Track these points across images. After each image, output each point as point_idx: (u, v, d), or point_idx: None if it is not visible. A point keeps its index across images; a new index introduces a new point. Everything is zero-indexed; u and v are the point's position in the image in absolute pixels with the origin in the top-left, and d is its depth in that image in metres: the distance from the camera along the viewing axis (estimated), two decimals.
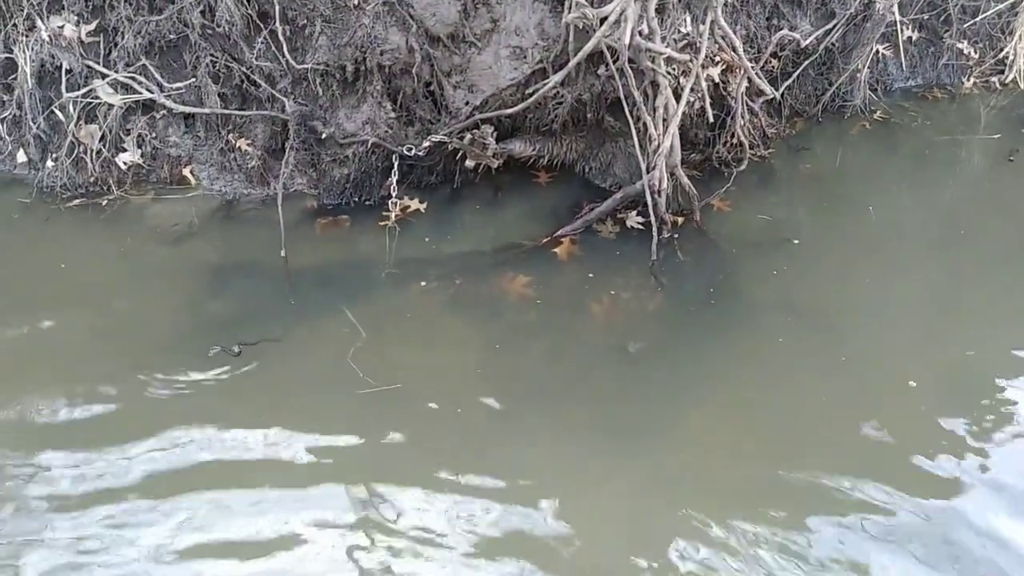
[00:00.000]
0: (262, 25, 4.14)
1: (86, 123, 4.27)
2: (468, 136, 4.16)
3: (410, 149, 4.15)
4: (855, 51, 4.93)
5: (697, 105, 4.06)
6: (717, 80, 4.20)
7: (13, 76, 4.39)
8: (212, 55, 4.19)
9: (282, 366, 3.35)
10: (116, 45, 4.28)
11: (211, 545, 2.73)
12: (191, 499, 2.85)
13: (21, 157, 4.39)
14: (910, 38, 5.25)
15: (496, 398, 3.26)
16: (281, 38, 4.07)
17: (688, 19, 4.11)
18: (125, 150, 4.29)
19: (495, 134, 4.19)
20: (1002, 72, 5.52)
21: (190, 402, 3.20)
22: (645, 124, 3.92)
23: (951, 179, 4.69)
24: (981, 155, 4.86)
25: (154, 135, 4.33)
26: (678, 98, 3.92)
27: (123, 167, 4.29)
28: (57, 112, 4.29)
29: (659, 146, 3.88)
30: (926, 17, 5.34)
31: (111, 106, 4.23)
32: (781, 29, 4.66)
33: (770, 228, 4.14)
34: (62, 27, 4.18)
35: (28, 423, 3.12)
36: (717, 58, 4.17)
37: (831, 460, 3.02)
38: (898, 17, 4.96)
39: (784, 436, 3.12)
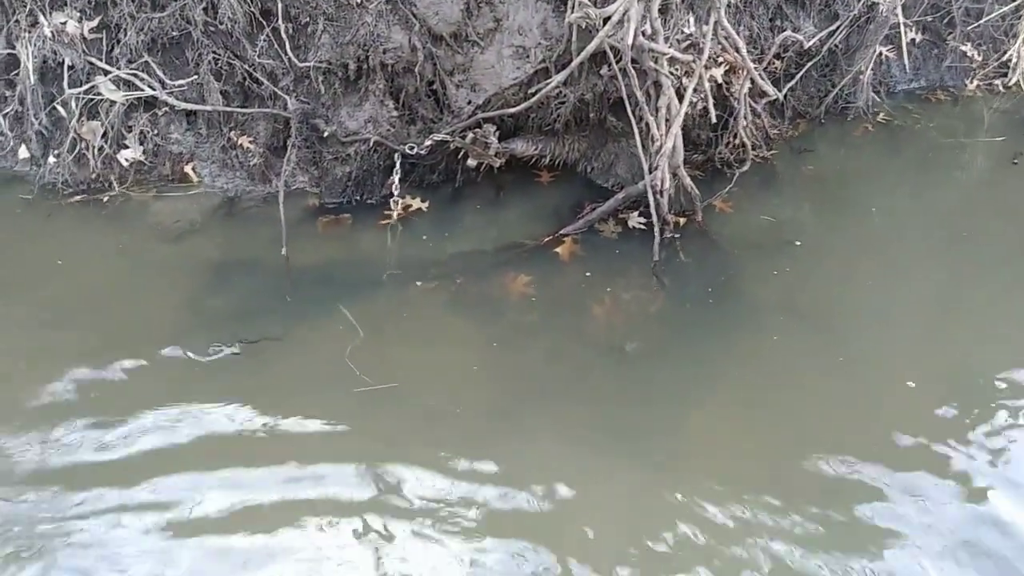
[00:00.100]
0: (264, 23, 4.14)
1: (88, 120, 4.27)
2: (470, 135, 4.16)
3: (412, 148, 4.14)
4: (858, 53, 4.92)
5: (700, 106, 4.06)
6: (720, 81, 4.20)
7: (15, 72, 4.39)
8: (214, 52, 4.18)
9: (282, 364, 3.35)
10: (118, 42, 4.28)
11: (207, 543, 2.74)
12: (189, 494, 2.85)
13: (23, 153, 4.39)
14: (913, 40, 5.24)
15: (496, 397, 3.25)
16: (283, 36, 4.07)
17: (691, 20, 4.11)
18: (127, 147, 4.29)
19: (497, 133, 4.19)
20: (1006, 75, 5.51)
21: (190, 399, 3.19)
22: (648, 124, 3.91)
23: (954, 181, 4.68)
24: (984, 157, 4.85)
25: (156, 132, 4.33)
26: (681, 98, 3.91)
27: (125, 164, 4.29)
28: (59, 108, 4.29)
29: (661, 146, 3.87)
30: (930, 19, 5.33)
31: (113, 103, 4.22)
32: (784, 30, 4.65)
33: (772, 229, 4.13)
34: (65, 23, 4.18)
35: (28, 417, 3.12)
36: (720, 59, 4.17)
37: (831, 460, 3.01)
38: (901, 19, 4.95)
39: (784, 436, 3.11)
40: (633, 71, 3.81)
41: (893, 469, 2.98)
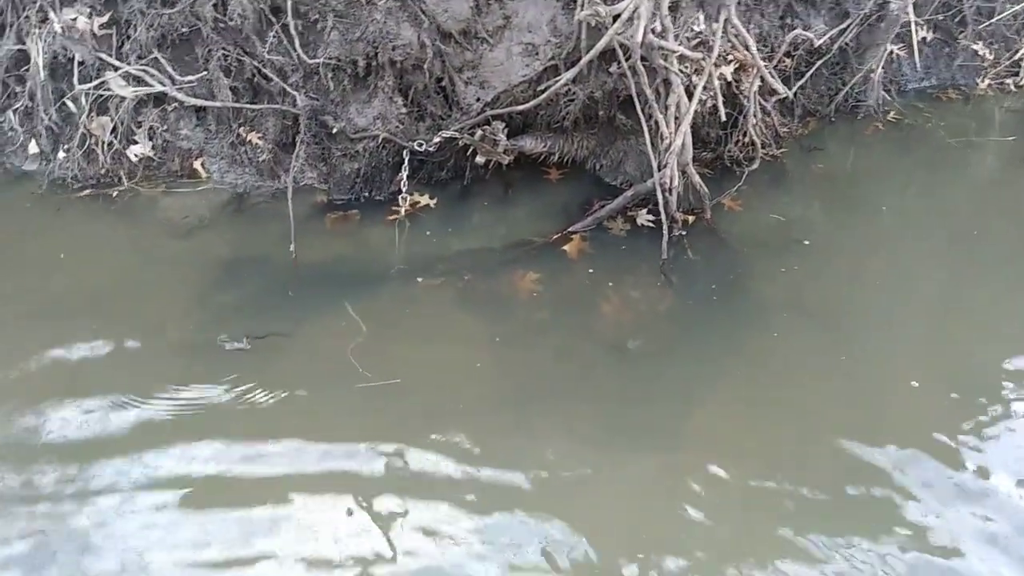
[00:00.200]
0: (274, 19, 4.14)
1: (98, 115, 4.28)
2: (479, 132, 4.16)
3: (421, 145, 4.14)
4: (869, 51, 4.89)
5: (709, 104, 4.04)
6: (730, 79, 4.18)
7: (25, 68, 4.42)
8: (224, 49, 4.19)
9: (289, 360, 3.35)
10: (128, 38, 4.30)
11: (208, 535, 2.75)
12: (188, 488, 2.88)
13: (33, 148, 4.40)
14: (924, 39, 5.21)
15: (501, 394, 3.25)
16: (293, 32, 4.07)
17: (701, 17, 4.10)
18: (136, 142, 4.30)
19: (506, 130, 4.18)
20: (1017, 74, 5.47)
21: (194, 395, 3.20)
22: (657, 122, 3.90)
23: (964, 181, 4.65)
24: (995, 157, 4.83)
25: (165, 128, 4.34)
26: (690, 96, 3.90)
27: (134, 159, 4.30)
28: (69, 104, 4.31)
29: (671, 144, 3.86)
30: (941, 18, 5.30)
31: (123, 98, 4.24)
32: (795, 28, 4.63)
33: (781, 228, 4.12)
34: (75, 19, 4.19)
35: (31, 404, 3.15)
36: (730, 57, 4.15)
37: (834, 458, 3.01)
38: (913, 17, 4.93)
39: (788, 435, 3.10)
40: (643, 69, 3.80)
41: (895, 469, 2.97)
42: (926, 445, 3.05)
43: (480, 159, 4.25)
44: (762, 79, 4.17)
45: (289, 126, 4.25)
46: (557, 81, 4.03)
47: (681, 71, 3.91)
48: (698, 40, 4.05)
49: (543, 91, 4.08)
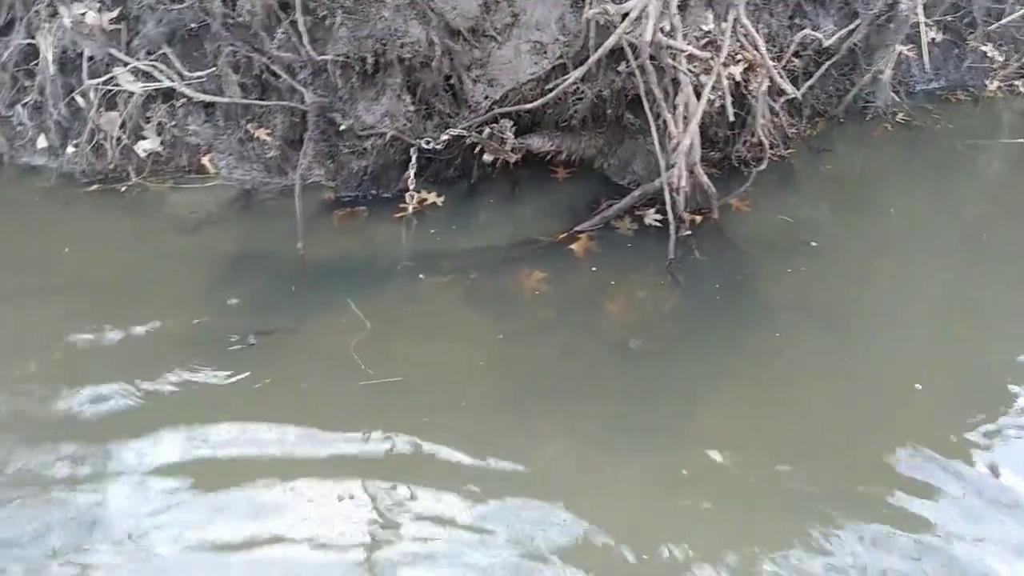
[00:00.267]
0: (283, 16, 4.14)
1: (107, 110, 4.29)
2: (487, 130, 4.16)
3: (428, 142, 4.14)
4: (878, 52, 4.88)
5: (718, 103, 4.03)
6: (738, 79, 4.17)
7: (35, 62, 4.43)
8: (233, 45, 4.19)
9: (294, 357, 3.36)
10: (138, 33, 4.31)
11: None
12: (195, 475, 2.90)
13: (42, 143, 4.42)
14: (934, 40, 5.20)
15: (504, 392, 3.25)
16: (302, 29, 4.07)
17: (710, 17, 4.09)
18: (145, 138, 4.31)
19: (514, 129, 4.18)
20: None
21: (200, 389, 3.21)
22: (665, 121, 3.89)
23: (973, 183, 4.64)
24: (1004, 159, 4.81)
25: (174, 123, 4.35)
26: (699, 96, 3.89)
27: (142, 155, 4.31)
28: (78, 99, 4.32)
29: (679, 144, 3.85)
30: (950, 19, 5.29)
31: (132, 94, 4.25)
32: (804, 28, 4.62)
33: (788, 229, 4.11)
34: (84, 14, 4.20)
35: (39, 396, 3.17)
36: (739, 56, 4.14)
37: (835, 460, 3.01)
38: (922, 18, 4.91)
39: (790, 436, 3.10)
40: (651, 68, 3.79)
41: (897, 468, 2.96)
42: (928, 446, 3.04)
43: (488, 157, 4.25)
44: (771, 79, 4.17)
45: (297, 123, 4.25)
46: (565, 79, 4.03)
47: (690, 70, 3.90)
48: (707, 39, 4.04)
49: (551, 89, 4.07)
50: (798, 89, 4.54)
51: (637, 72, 3.87)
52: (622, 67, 4.03)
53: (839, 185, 4.49)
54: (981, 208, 4.46)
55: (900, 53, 4.98)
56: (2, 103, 4.52)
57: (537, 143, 4.28)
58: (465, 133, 4.16)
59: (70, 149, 4.35)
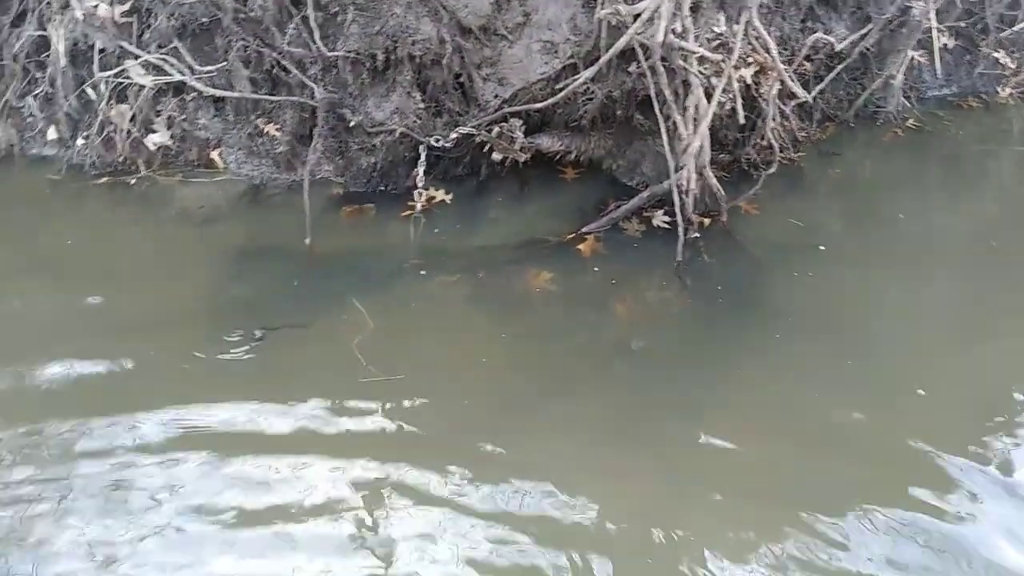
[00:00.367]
0: (294, 11, 4.15)
1: (117, 103, 4.30)
2: (496, 129, 4.16)
3: (438, 140, 4.14)
4: (890, 57, 4.87)
5: (728, 106, 4.02)
6: (749, 81, 4.15)
7: (46, 54, 4.44)
8: (244, 39, 4.20)
9: (300, 351, 3.36)
10: (149, 26, 4.32)
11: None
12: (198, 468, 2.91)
13: (52, 134, 4.43)
14: (946, 45, 5.18)
15: (509, 391, 3.25)
16: (313, 24, 4.08)
17: (722, 19, 4.07)
18: (155, 131, 4.32)
19: (523, 128, 4.18)
20: None
21: (205, 381, 3.22)
22: (675, 123, 3.88)
23: (984, 190, 4.62)
24: (1015, 167, 4.79)
25: (184, 117, 4.36)
26: (709, 98, 3.88)
27: (152, 148, 4.32)
28: (89, 91, 4.33)
29: (688, 146, 3.85)
30: (963, 25, 5.27)
31: (142, 87, 4.25)
32: (815, 32, 4.60)
33: (797, 233, 4.10)
34: (96, 6, 4.20)
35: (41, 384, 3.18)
36: (750, 59, 4.13)
37: (836, 460, 3.00)
38: (935, 24, 4.90)
39: (791, 438, 3.09)
40: (662, 69, 3.78)
41: (900, 476, 2.95)
42: (929, 447, 3.03)
43: (497, 156, 4.25)
44: (782, 82, 4.15)
45: (307, 118, 4.26)
46: (576, 79, 4.02)
47: (700, 72, 3.89)
48: (718, 42, 4.02)
49: (561, 89, 4.07)
50: (809, 93, 4.52)
51: (648, 73, 3.86)
52: (633, 68, 4.01)
53: (848, 190, 4.48)
54: (990, 215, 4.44)
55: (912, 58, 4.96)
56: (13, 94, 4.54)
57: (546, 143, 4.28)
58: (475, 132, 4.15)
59: (80, 141, 4.36)
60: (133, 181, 4.26)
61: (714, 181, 3.99)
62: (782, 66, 4.08)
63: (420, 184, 4.16)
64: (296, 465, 2.92)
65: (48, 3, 4.36)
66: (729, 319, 3.60)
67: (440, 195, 4.20)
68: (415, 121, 4.16)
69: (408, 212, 4.12)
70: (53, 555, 2.63)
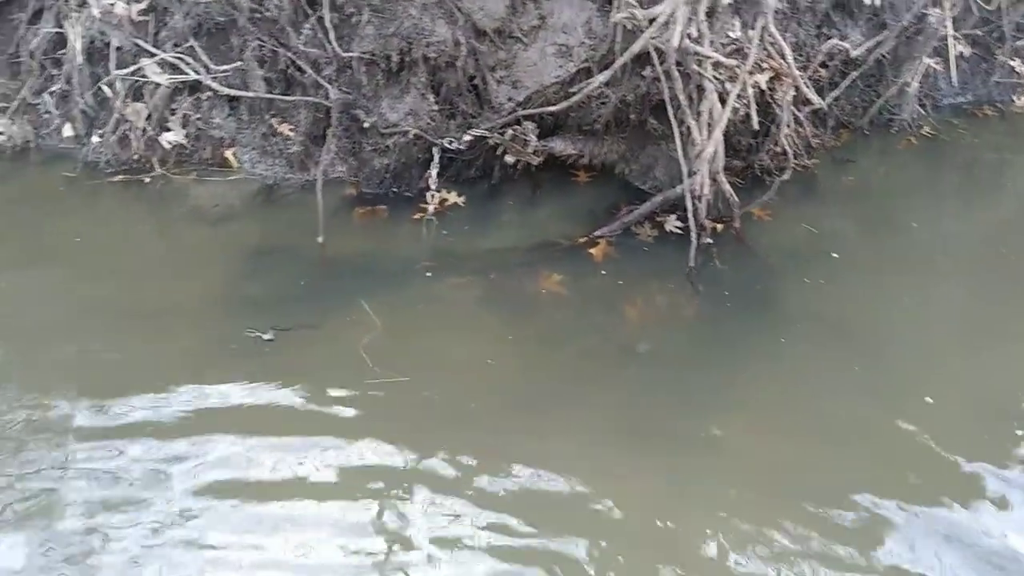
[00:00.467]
0: (310, 11, 4.16)
1: (133, 101, 4.31)
2: (509, 132, 4.16)
3: (451, 142, 4.14)
4: (905, 64, 4.84)
5: (742, 112, 4.01)
6: (764, 87, 4.14)
7: (63, 51, 4.46)
8: (259, 39, 4.21)
9: (310, 351, 3.37)
10: (165, 25, 4.34)
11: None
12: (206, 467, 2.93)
13: (68, 131, 4.45)
14: (962, 54, 5.15)
15: (515, 394, 3.25)
16: (328, 25, 4.09)
17: (738, 24, 4.06)
18: (169, 129, 4.33)
19: (537, 131, 4.17)
20: None
21: (216, 380, 3.23)
22: (689, 128, 3.88)
23: (998, 199, 4.60)
24: None
25: (198, 116, 4.37)
26: (724, 103, 3.87)
27: (167, 146, 4.33)
28: (105, 89, 4.34)
29: (702, 151, 3.84)
30: (979, 33, 5.24)
31: (158, 85, 4.27)
32: (831, 38, 4.59)
33: (810, 240, 4.09)
34: (113, 5, 4.22)
35: (56, 386, 3.19)
36: (765, 65, 4.12)
37: (844, 466, 3.01)
38: (951, 32, 4.87)
39: (798, 442, 3.10)
40: (677, 74, 3.78)
41: (909, 481, 2.95)
42: (932, 454, 3.03)
43: (510, 159, 4.25)
44: (796, 88, 4.14)
45: (321, 119, 4.27)
46: (590, 83, 4.02)
47: (715, 78, 3.89)
48: (734, 47, 4.02)
49: (575, 93, 4.07)
50: (824, 99, 4.51)
51: (662, 77, 3.85)
52: (647, 72, 4.01)
53: (862, 197, 4.47)
54: (1004, 225, 4.41)
55: (927, 66, 4.94)
56: (30, 91, 4.56)
57: (560, 146, 4.28)
58: (488, 134, 4.16)
59: (95, 138, 4.38)
60: (148, 179, 4.28)
61: (727, 187, 3.99)
62: (797, 72, 4.07)
63: (433, 186, 4.16)
64: (302, 466, 2.93)
65: (66, 1, 4.38)
66: (739, 324, 3.59)
67: (452, 197, 4.20)
68: (429, 123, 4.17)
69: (420, 214, 4.12)
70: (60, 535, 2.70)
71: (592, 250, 3.93)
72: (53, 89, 4.50)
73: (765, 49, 4.03)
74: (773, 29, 3.94)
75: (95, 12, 4.25)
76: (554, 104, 4.13)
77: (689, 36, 3.73)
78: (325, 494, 2.85)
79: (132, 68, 4.26)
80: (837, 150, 4.81)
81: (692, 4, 3.71)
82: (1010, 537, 2.77)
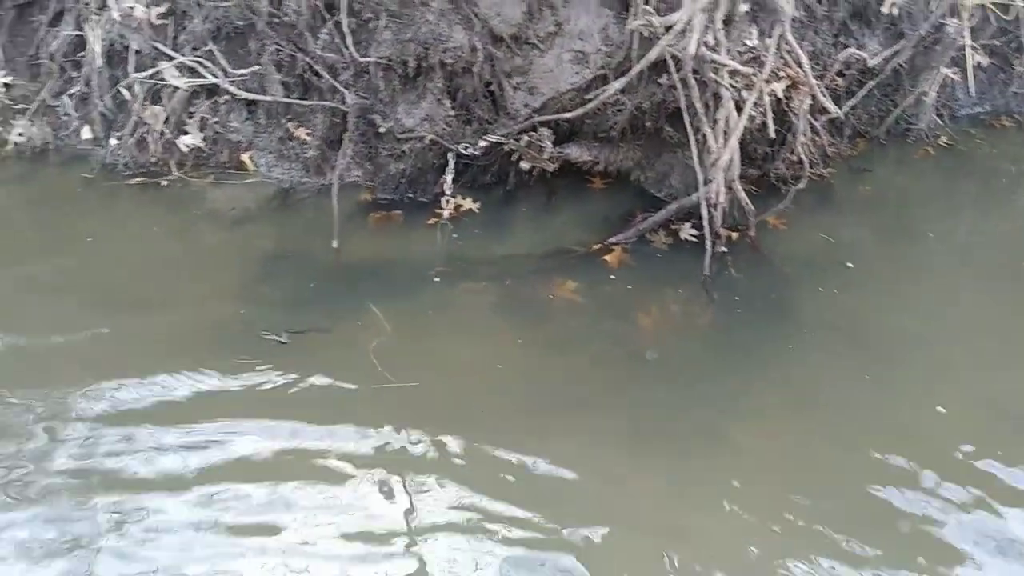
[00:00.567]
0: (328, 16, 4.18)
1: (151, 104, 4.34)
2: (525, 138, 4.16)
3: (467, 148, 4.15)
4: (923, 74, 4.83)
5: (758, 120, 4.00)
6: (780, 96, 4.14)
7: (82, 54, 4.50)
8: (277, 44, 4.24)
9: (324, 355, 3.37)
10: (184, 29, 4.37)
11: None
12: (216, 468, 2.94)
13: (86, 133, 4.48)
14: (979, 64, 5.13)
15: (525, 397, 3.25)
16: (346, 30, 4.11)
17: (755, 32, 4.06)
18: (187, 133, 4.35)
19: (552, 138, 4.18)
20: None
21: (228, 382, 3.25)
22: (705, 136, 3.87)
23: (1014, 210, 4.58)
24: None
25: (216, 120, 4.39)
26: (740, 112, 3.87)
27: (184, 149, 4.35)
28: (123, 91, 4.37)
29: (718, 159, 3.84)
30: (997, 43, 5.22)
31: (176, 89, 4.29)
32: (848, 47, 4.58)
33: (825, 249, 4.08)
34: (133, 8, 4.25)
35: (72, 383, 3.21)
36: (782, 73, 4.11)
37: (847, 472, 3.00)
38: (968, 42, 4.85)
39: (808, 451, 3.09)
40: (693, 82, 3.78)
41: (912, 492, 2.93)
42: (943, 465, 3.01)
43: (525, 165, 4.25)
44: (813, 97, 4.13)
45: (337, 123, 4.28)
46: (606, 90, 4.02)
47: (732, 86, 3.88)
48: (751, 55, 4.01)
49: (591, 99, 4.07)
50: (840, 108, 4.49)
51: (679, 85, 3.85)
52: (664, 80, 4.01)
53: (878, 207, 4.45)
54: (1021, 234, 4.38)
55: (945, 76, 4.92)
56: (49, 92, 4.59)
57: (575, 153, 4.28)
58: (503, 140, 4.16)
59: (113, 141, 4.41)
60: (165, 182, 4.30)
61: (743, 195, 3.98)
62: (814, 81, 4.05)
63: (448, 191, 4.17)
64: (310, 467, 2.94)
65: (86, 3, 4.41)
66: (754, 333, 3.59)
67: (467, 203, 4.21)
68: (444, 128, 4.18)
69: (435, 219, 4.13)
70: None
71: (607, 257, 3.93)
72: (72, 91, 4.54)
73: (782, 57, 4.02)
74: (790, 37, 3.93)
75: (115, 15, 4.28)
76: (570, 111, 4.13)
77: (706, 44, 3.73)
78: (332, 486, 2.87)
79: (151, 71, 4.29)
80: (853, 159, 4.80)
81: (709, 12, 3.71)
82: None
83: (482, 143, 4.15)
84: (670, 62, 3.84)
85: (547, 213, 4.26)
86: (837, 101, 4.52)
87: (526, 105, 4.21)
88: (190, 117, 4.36)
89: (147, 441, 3.00)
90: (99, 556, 2.64)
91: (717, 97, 3.89)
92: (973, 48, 4.94)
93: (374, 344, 3.39)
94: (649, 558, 2.68)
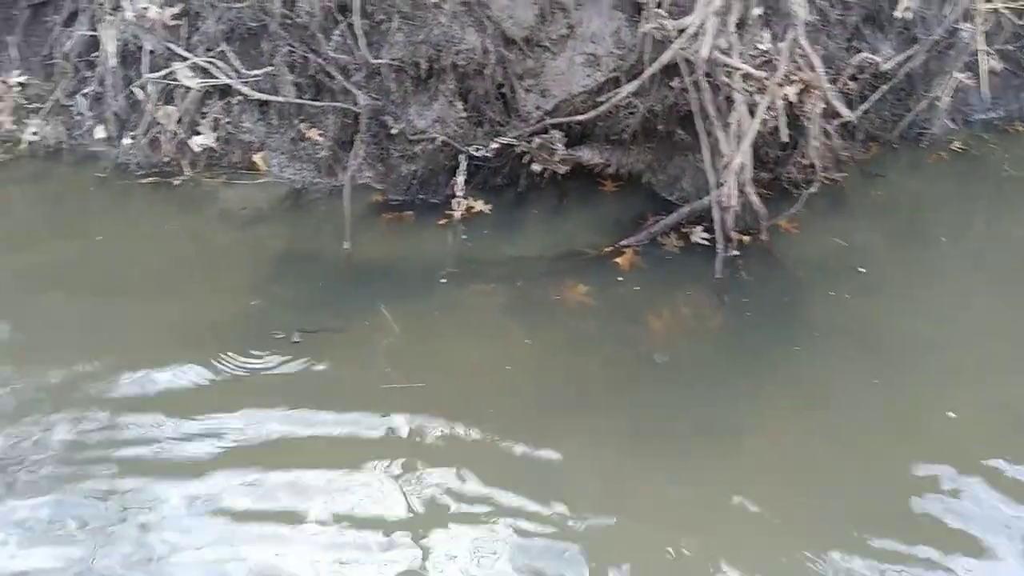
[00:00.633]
0: (340, 18, 4.19)
1: (164, 104, 4.36)
2: (537, 140, 4.16)
3: (478, 149, 4.16)
4: (936, 78, 4.81)
5: (771, 124, 3.99)
6: (793, 99, 4.12)
7: (96, 54, 4.52)
8: (290, 45, 4.25)
9: (334, 355, 3.37)
10: (197, 29, 4.39)
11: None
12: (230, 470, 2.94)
13: (100, 133, 4.50)
14: (993, 68, 5.10)
15: (537, 400, 3.24)
16: (358, 31, 4.12)
17: (767, 36, 4.05)
18: (200, 133, 4.37)
19: (564, 140, 4.18)
20: None
21: (239, 382, 3.26)
22: (717, 139, 3.87)
23: None
24: None
25: (229, 120, 4.41)
26: (752, 115, 3.86)
27: (197, 149, 4.37)
28: (137, 91, 4.39)
29: (730, 162, 3.83)
30: (1011, 48, 5.19)
31: (189, 89, 4.31)
32: (861, 51, 4.57)
33: (837, 254, 4.06)
34: (146, 9, 4.27)
35: (85, 392, 3.20)
36: (794, 77, 4.10)
37: (857, 475, 2.98)
38: (982, 46, 4.83)
39: (816, 454, 3.07)
40: (705, 85, 3.78)
41: (914, 491, 2.92)
42: (952, 470, 2.99)
43: (536, 167, 4.25)
44: (826, 101, 4.11)
45: (349, 124, 4.29)
46: (618, 93, 4.02)
47: (744, 89, 3.87)
48: (763, 59, 4.00)
49: (603, 102, 4.07)
50: (853, 112, 4.47)
51: (691, 88, 3.85)
52: (676, 83, 4.01)
53: (890, 211, 4.43)
54: None
55: (958, 81, 4.89)
56: (63, 92, 4.62)
57: (587, 155, 4.28)
58: (515, 142, 4.17)
59: (127, 140, 4.43)
60: (177, 182, 4.32)
61: (755, 198, 3.96)
62: (827, 85, 4.04)
63: (459, 193, 4.17)
64: (317, 461, 2.95)
65: (100, 4, 4.44)
66: (765, 336, 3.57)
67: (479, 205, 4.21)
68: (456, 130, 4.19)
69: (446, 221, 4.14)
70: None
71: (618, 260, 3.92)
72: (86, 91, 4.56)
73: (795, 61, 4.00)
74: (803, 41, 3.92)
75: (129, 16, 4.30)
76: (582, 113, 4.13)
77: (718, 47, 3.73)
78: (341, 477, 2.89)
79: (164, 72, 4.31)
80: (866, 164, 4.77)
81: (722, 15, 3.71)
82: None
83: (494, 145, 4.15)
84: (682, 65, 3.84)
85: (558, 215, 4.26)
86: (850, 105, 4.49)
87: (538, 107, 4.21)
88: (203, 117, 4.38)
89: (163, 431, 3.03)
90: (110, 543, 2.65)
91: (730, 100, 3.88)
92: (987, 53, 4.92)
93: (384, 344, 3.40)
94: (653, 550, 2.68)
